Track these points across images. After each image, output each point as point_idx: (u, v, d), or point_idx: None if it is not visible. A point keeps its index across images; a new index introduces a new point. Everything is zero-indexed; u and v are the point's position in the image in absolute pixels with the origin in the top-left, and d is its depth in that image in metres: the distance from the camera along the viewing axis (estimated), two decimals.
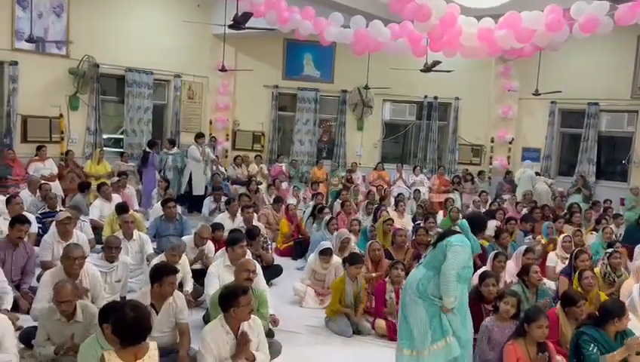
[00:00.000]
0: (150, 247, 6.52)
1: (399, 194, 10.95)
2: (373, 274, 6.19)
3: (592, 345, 4.02)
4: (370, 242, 6.58)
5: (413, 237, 7.59)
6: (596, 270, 6.17)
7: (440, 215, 10.02)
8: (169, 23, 12.32)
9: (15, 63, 9.89)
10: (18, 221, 5.56)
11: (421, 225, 8.16)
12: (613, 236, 7.99)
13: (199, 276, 5.86)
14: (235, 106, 13.70)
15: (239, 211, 8.11)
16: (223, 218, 7.92)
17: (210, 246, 6.54)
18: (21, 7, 9.86)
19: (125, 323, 3.13)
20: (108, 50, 11.16)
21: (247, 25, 8.00)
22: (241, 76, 13.35)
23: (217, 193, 9.38)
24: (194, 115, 13.20)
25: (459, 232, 4.15)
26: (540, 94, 11.69)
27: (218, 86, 13.24)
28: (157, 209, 8.16)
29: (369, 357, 4.97)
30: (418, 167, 13.65)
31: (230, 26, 7.96)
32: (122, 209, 7.12)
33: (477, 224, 4.30)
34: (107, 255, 5.35)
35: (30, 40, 9.62)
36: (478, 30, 8.10)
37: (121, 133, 12.24)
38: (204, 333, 3.84)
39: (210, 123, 13.40)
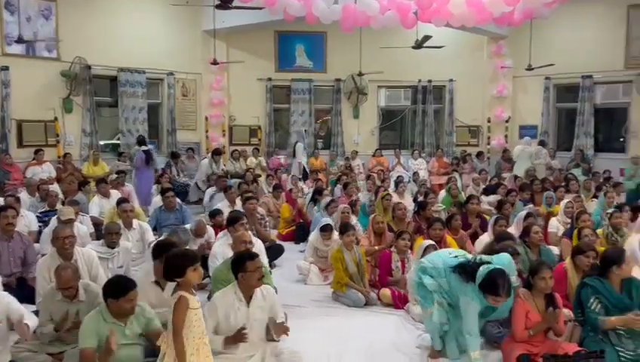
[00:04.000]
0: (151, 236, 6.49)
1: (399, 177, 10.95)
2: (376, 248, 6.17)
3: (593, 299, 3.98)
4: (373, 215, 6.58)
5: (414, 213, 7.59)
6: (599, 231, 6.17)
7: (441, 195, 10.02)
8: (159, 21, 12.33)
9: (6, 68, 9.91)
10: (2, 209, 5.58)
11: (420, 199, 8.16)
12: (615, 203, 7.98)
13: (202, 262, 5.84)
14: (229, 101, 13.68)
15: (238, 199, 8.10)
16: (222, 206, 7.89)
17: (211, 232, 6.54)
18: (9, 12, 9.88)
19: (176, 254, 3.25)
20: (99, 51, 11.16)
21: (233, 4, 7.92)
22: (235, 71, 13.35)
23: (221, 180, 9.40)
24: (189, 112, 13.20)
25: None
26: (532, 69, 11.69)
27: (212, 82, 13.23)
28: (156, 201, 8.15)
29: (376, 325, 4.95)
30: (416, 151, 13.65)
31: (217, 6, 7.91)
32: (123, 200, 7.11)
33: (488, 285, 3.65)
34: (107, 240, 5.34)
35: (20, 41, 9.61)
36: None
37: (118, 139, 12.21)
38: (214, 298, 3.83)
39: (206, 119, 13.40)
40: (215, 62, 11.45)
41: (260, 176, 11.93)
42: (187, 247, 5.78)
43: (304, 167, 12.53)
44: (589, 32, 12.68)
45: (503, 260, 3.94)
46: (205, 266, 5.68)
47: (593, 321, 3.93)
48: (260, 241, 5.46)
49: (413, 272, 4.31)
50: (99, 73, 11.39)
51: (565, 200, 7.52)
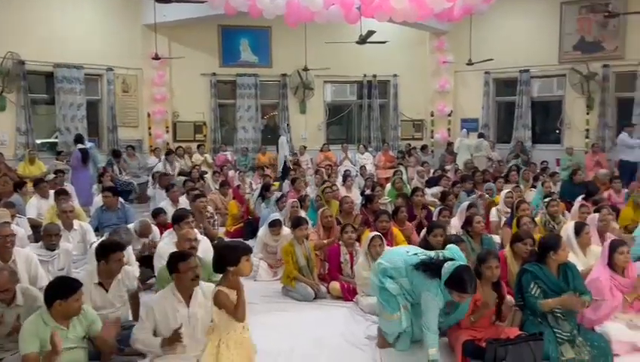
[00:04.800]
0: (93, 236, 6.29)
1: (346, 171, 11.07)
2: (325, 241, 6.21)
3: (533, 284, 4.15)
4: (322, 209, 6.61)
5: (362, 206, 7.69)
6: (537, 219, 6.44)
7: (388, 188, 10.19)
8: (96, 15, 11.92)
9: None
10: None
11: (367, 192, 8.27)
12: (551, 191, 8.35)
13: (147, 261, 5.72)
14: (172, 97, 13.41)
15: (183, 197, 7.96)
16: (164, 205, 7.73)
17: (155, 232, 6.39)
18: None
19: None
20: (33, 46, 10.68)
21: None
22: (177, 66, 13.08)
23: (164, 178, 9.20)
24: (130, 108, 12.85)
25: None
26: (473, 64, 12.04)
27: (153, 77, 12.91)
28: (98, 201, 7.90)
29: (326, 318, 4.99)
30: (362, 146, 13.81)
31: (158, 0, 7.71)
32: (63, 191, 6.85)
33: (456, 282, 3.65)
34: (46, 242, 5.13)
35: None
36: None
37: (56, 138, 11.73)
38: (151, 299, 3.76)
39: (149, 116, 13.08)
40: (157, 57, 11.19)
41: (207, 173, 11.76)
42: (131, 247, 5.66)
43: (285, 162, 12.56)
44: (526, 28, 13.18)
45: (454, 251, 4.05)
46: (151, 266, 5.59)
47: (533, 305, 4.09)
48: (206, 239, 5.38)
49: (373, 275, 4.26)
50: (33, 69, 10.91)
51: (505, 191, 7.79)
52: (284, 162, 12.61)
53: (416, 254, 4.09)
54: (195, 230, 5.27)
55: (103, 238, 5.41)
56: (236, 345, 3.23)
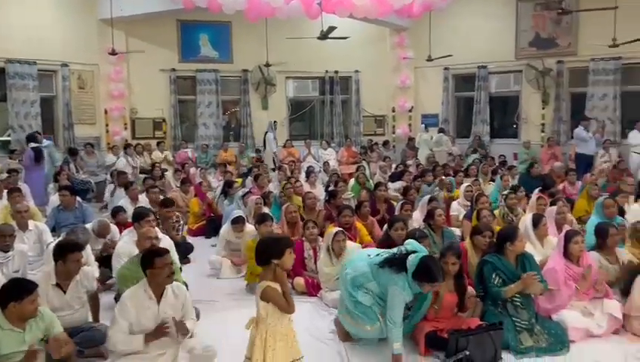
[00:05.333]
0: (50, 237, 6.10)
1: (309, 167, 11.07)
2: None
3: (494, 274, 4.26)
4: (286, 205, 6.59)
5: (325, 202, 7.70)
6: (496, 212, 6.58)
7: (351, 183, 10.25)
8: (49, 9, 11.54)
9: None
10: None
11: (331, 188, 8.29)
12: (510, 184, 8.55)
13: (106, 261, 5.59)
14: (131, 93, 13.11)
15: (144, 194, 7.81)
16: (124, 203, 7.56)
17: (114, 231, 6.25)
18: None
19: None
20: None
21: None
22: (135, 62, 12.80)
23: (121, 178, 8.99)
24: (87, 105, 12.52)
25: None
26: (432, 60, 12.21)
27: (110, 73, 12.61)
28: (54, 200, 7.67)
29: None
30: (325, 141, 13.83)
31: None
32: (16, 189, 6.62)
33: (423, 273, 3.72)
34: (0, 244, 4.94)
35: None
36: None
37: (9, 136, 11.32)
38: (124, 297, 3.67)
39: (106, 112, 12.77)
40: (113, 53, 10.93)
41: (167, 170, 11.56)
42: (89, 247, 5.52)
43: (273, 158, 12.51)
44: (483, 25, 13.44)
45: (414, 245, 4.10)
46: (110, 266, 5.45)
47: (496, 294, 4.20)
48: (167, 237, 5.29)
49: (344, 289, 4.20)
50: None
51: (464, 185, 7.95)
52: (273, 159, 12.64)
53: (378, 255, 4.12)
54: (156, 228, 5.17)
55: (60, 238, 5.26)
56: (282, 336, 3.28)
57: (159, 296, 3.68)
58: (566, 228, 5.28)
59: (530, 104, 13.41)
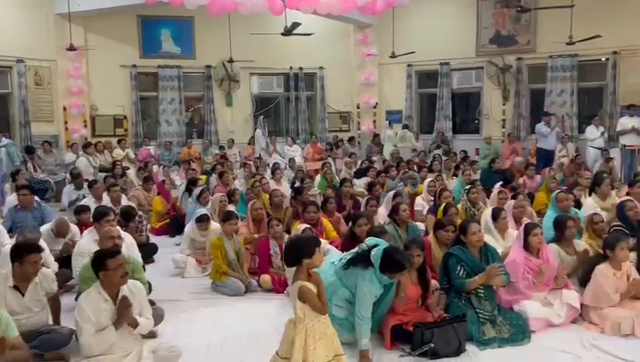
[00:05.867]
0: (7, 238, 5.89)
1: (275, 164, 11.03)
2: (256, 236, 6.15)
3: (459, 267, 4.34)
4: (251, 202, 6.53)
5: (291, 198, 7.69)
6: (459, 206, 6.69)
7: (317, 179, 10.26)
8: (3, 3, 11.13)
9: None
10: None
11: (297, 184, 8.28)
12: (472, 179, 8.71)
13: (67, 262, 5.44)
14: (90, 90, 12.80)
15: (105, 193, 7.63)
16: (87, 202, 7.39)
17: (75, 230, 6.09)
18: None
19: None
20: None
21: None
22: (95, 57, 12.50)
23: (77, 180, 8.75)
24: (44, 102, 12.17)
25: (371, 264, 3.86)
26: (396, 56, 12.33)
27: (69, 69, 12.28)
28: (11, 200, 7.43)
29: (257, 312, 4.94)
30: (291, 138, 13.80)
31: None
32: None
33: (390, 264, 3.77)
34: None
35: None
36: None
37: None
38: (80, 302, 3.60)
39: (64, 109, 12.43)
40: (72, 48, 10.64)
41: (129, 168, 11.35)
42: (48, 248, 5.36)
43: (260, 154, 12.50)
44: (445, 22, 13.62)
45: (374, 241, 4.12)
46: (70, 266, 5.31)
47: (461, 285, 4.28)
48: (129, 236, 5.18)
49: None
50: None
51: (428, 180, 8.06)
52: (260, 155, 12.63)
53: (341, 259, 4.13)
54: (117, 227, 5.06)
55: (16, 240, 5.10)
56: (321, 335, 3.28)
57: (114, 296, 3.62)
58: (525, 221, 5.41)
59: (491, 100, 13.67)
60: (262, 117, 13.52)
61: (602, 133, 11.53)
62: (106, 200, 7.49)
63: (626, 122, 10.94)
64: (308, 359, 3.24)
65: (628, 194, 6.90)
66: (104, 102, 12.98)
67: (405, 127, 13.59)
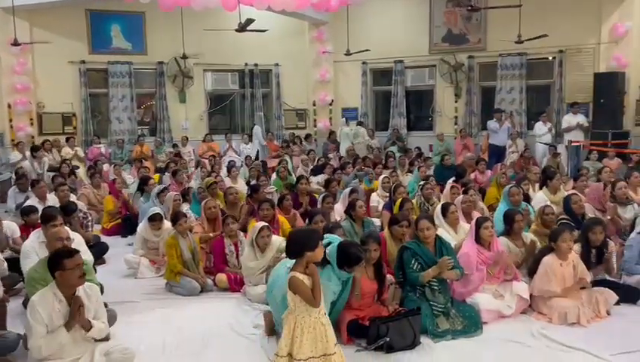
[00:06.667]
0: None
1: (231, 161, 10.91)
2: (211, 235, 6.07)
3: (413, 260, 4.41)
4: (204, 201, 6.43)
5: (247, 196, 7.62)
6: (414, 202, 6.80)
7: (273, 177, 10.21)
8: None
9: None
10: None
11: (253, 182, 8.23)
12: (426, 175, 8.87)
13: (15, 265, 5.23)
14: (37, 87, 12.33)
15: (52, 193, 7.38)
16: (31, 203, 7.11)
17: (14, 228, 5.89)
18: None
19: None
20: None
21: None
22: (41, 53, 12.04)
23: (21, 181, 8.43)
24: None
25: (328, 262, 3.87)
26: (350, 54, 12.40)
27: (13, 65, 11.79)
28: None
29: (213, 311, 4.88)
30: (246, 135, 13.69)
31: None
32: None
33: (346, 258, 3.82)
34: None
35: None
36: None
37: None
38: (32, 302, 3.45)
39: (9, 107, 11.92)
40: (16, 43, 10.22)
41: (78, 167, 11.00)
42: None
43: (257, 151, 12.35)
44: (399, 20, 13.78)
45: (328, 238, 4.13)
46: (18, 269, 5.10)
47: (415, 279, 4.35)
48: (79, 236, 5.02)
49: (276, 310, 4.06)
50: None
51: (382, 176, 8.15)
52: (257, 151, 12.61)
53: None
54: (66, 227, 4.89)
55: None
56: (310, 329, 3.26)
57: (70, 298, 3.50)
58: (475, 215, 5.54)
59: (443, 97, 13.93)
60: (260, 113, 13.56)
61: (550, 130, 11.96)
62: (53, 200, 7.24)
63: (569, 120, 11.44)
64: (292, 351, 3.24)
65: (573, 188, 7.19)
66: (52, 99, 12.52)
67: (360, 123, 13.69)
